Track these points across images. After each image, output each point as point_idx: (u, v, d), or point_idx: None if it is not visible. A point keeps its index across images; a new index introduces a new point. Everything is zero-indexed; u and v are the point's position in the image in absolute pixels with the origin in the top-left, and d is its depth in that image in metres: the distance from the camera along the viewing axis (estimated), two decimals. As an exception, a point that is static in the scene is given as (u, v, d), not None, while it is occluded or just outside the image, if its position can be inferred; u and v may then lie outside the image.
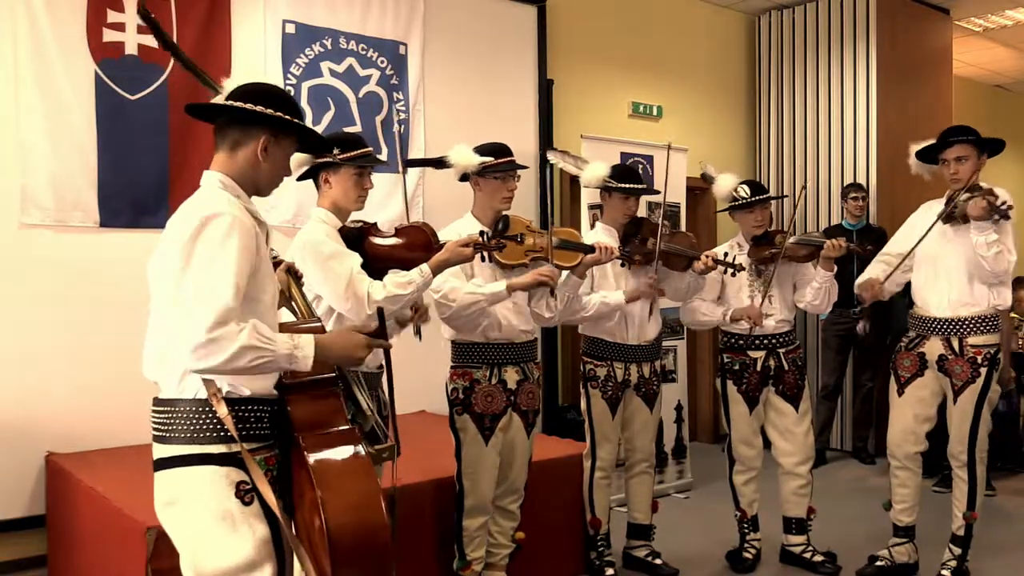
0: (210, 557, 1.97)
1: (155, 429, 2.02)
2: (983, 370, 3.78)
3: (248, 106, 2.05)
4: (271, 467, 2.02)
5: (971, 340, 3.79)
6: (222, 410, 1.93)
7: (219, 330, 1.84)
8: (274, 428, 2.07)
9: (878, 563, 4.04)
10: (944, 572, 3.90)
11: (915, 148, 3.96)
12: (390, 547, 1.95)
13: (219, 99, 2.14)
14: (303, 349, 1.95)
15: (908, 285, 4.04)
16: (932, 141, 3.88)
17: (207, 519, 1.96)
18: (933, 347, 3.87)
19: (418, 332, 3.18)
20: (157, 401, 2.03)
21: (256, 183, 2.13)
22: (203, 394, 1.95)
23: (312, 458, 1.95)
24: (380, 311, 2.24)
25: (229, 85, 2.17)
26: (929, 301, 3.89)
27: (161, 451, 2.01)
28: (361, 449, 2.02)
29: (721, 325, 4.14)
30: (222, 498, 1.95)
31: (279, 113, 2.07)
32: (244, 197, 2.09)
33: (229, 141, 2.09)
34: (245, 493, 1.96)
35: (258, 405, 2.01)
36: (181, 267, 1.91)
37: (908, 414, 3.95)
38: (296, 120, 2.11)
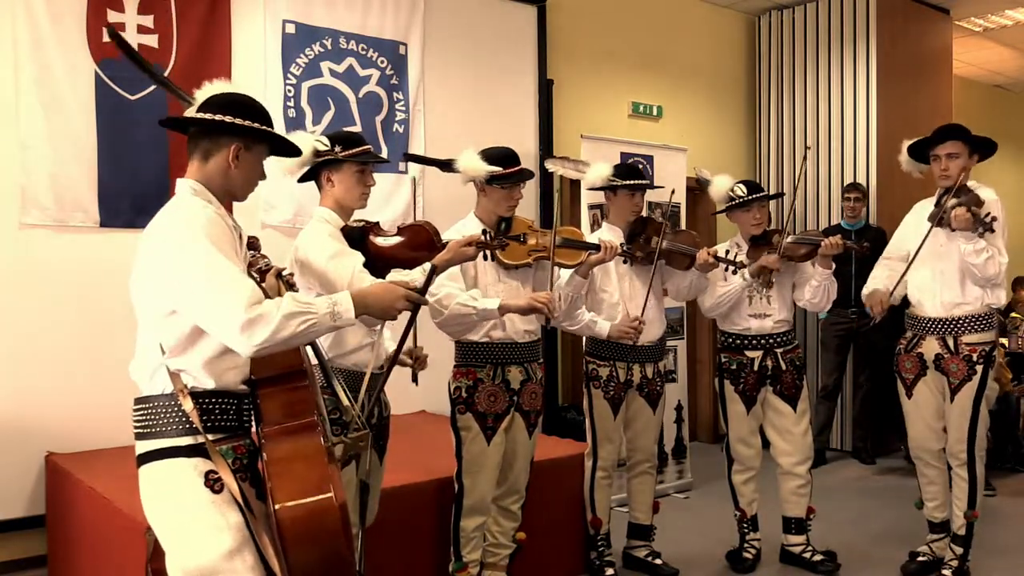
0: (192, 551, 2.02)
1: (135, 426, 2.10)
2: (979, 367, 3.81)
3: (216, 117, 2.10)
4: (240, 456, 2.08)
5: (966, 338, 3.82)
6: (187, 404, 2.00)
7: (257, 307, 1.92)
8: (244, 419, 2.13)
9: (920, 559, 4.07)
10: (945, 572, 3.91)
11: (907, 143, 3.98)
12: (342, 530, 1.99)
13: (191, 111, 2.17)
14: (342, 304, 2.03)
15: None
16: (927, 136, 3.90)
17: (183, 510, 2.03)
18: (930, 347, 3.90)
19: (415, 379, 3.16)
20: (136, 400, 2.11)
21: (230, 189, 2.19)
22: (171, 389, 2.03)
23: (268, 448, 2.03)
24: (433, 268, 2.31)
25: (201, 96, 2.19)
26: (924, 301, 3.92)
27: (140, 447, 2.08)
28: (318, 438, 2.06)
29: (732, 312, 4.08)
30: (193, 488, 2.01)
31: (247, 122, 2.12)
32: (216, 203, 2.14)
33: (200, 151, 2.15)
34: (214, 482, 2.02)
35: (223, 398, 2.08)
36: (171, 278, 1.97)
37: (923, 413, 3.97)
38: (264, 128, 2.17)
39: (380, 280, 2.75)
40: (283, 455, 2.02)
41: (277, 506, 1.95)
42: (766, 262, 3.95)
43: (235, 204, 2.31)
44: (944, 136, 3.81)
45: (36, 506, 4.01)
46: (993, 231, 3.61)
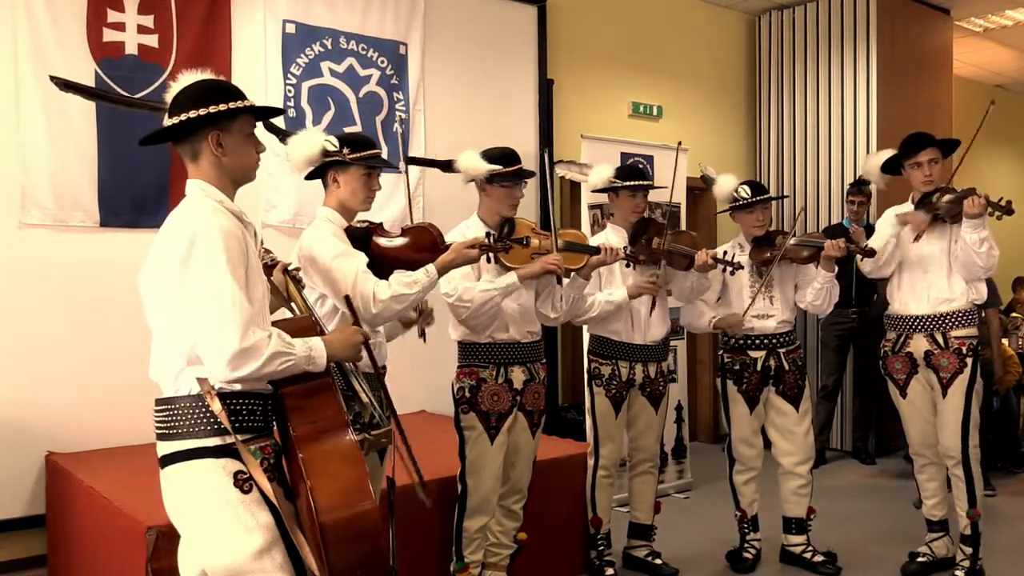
0: (220, 551, 2.03)
1: (157, 427, 2.09)
2: (969, 361, 3.84)
3: (182, 117, 2.07)
4: (267, 456, 2.09)
5: (954, 333, 3.86)
6: (216, 405, 2.00)
7: (250, 338, 1.95)
8: (269, 419, 2.14)
9: (920, 559, 4.08)
10: (958, 573, 3.91)
11: (875, 159, 4.03)
12: (381, 528, 2.01)
13: (165, 118, 2.15)
14: (316, 350, 2.08)
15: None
16: (893, 151, 3.95)
17: (211, 511, 2.03)
18: (918, 345, 3.92)
19: (422, 334, 3.18)
20: (158, 401, 2.10)
21: (232, 176, 2.17)
22: (197, 391, 2.02)
23: (302, 448, 2.03)
24: (347, 300, 2.32)
25: (169, 101, 2.16)
26: (908, 300, 3.94)
27: (163, 448, 2.07)
28: (350, 437, 2.08)
29: (705, 330, 4.18)
30: (222, 488, 2.01)
31: (209, 109, 2.08)
32: (226, 200, 2.13)
33: (188, 154, 2.14)
34: (243, 482, 2.02)
35: (250, 398, 2.08)
36: (182, 286, 1.98)
37: (920, 411, 3.99)
38: (228, 106, 2.10)
39: (382, 280, 2.75)
40: (319, 455, 2.03)
41: (319, 505, 1.95)
42: (729, 323, 4.04)
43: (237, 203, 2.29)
44: (922, 145, 3.87)
45: (36, 506, 4.00)
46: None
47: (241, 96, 2.14)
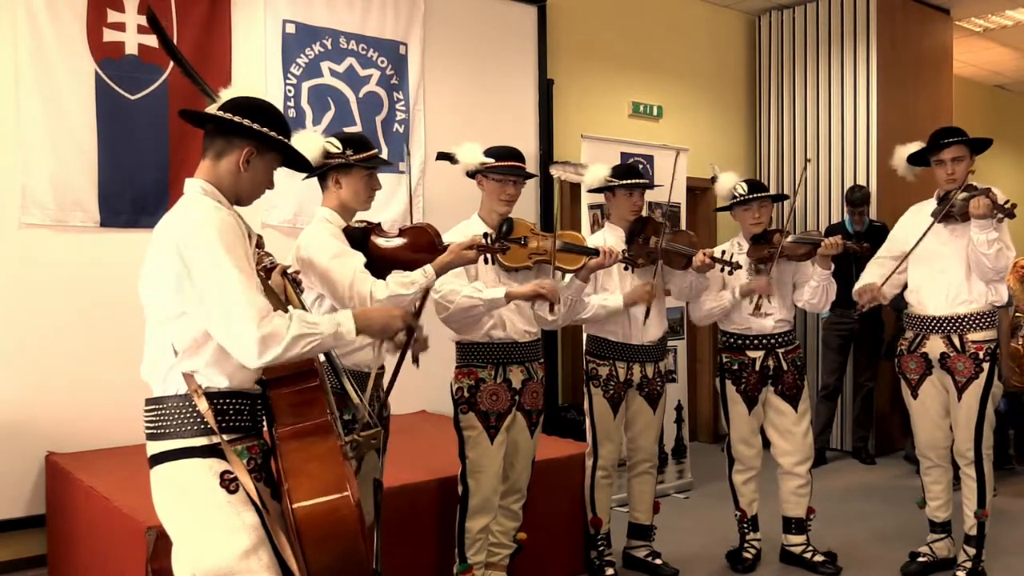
0: (207, 552, 2.03)
1: (146, 427, 2.09)
2: (985, 365, 3.81)
3: (235, 118, 2.12)
4: (254, 456, 2.09)
5: (971, 336, 3.82)
6: (202, 404, 2.01)
7: (267, 325, 1.95)
8: (257, 419, 2.15)
9: (920, 559, 4.07)
10: (959, 574, 3.91)
11: (904, 151, 4.00)
12: (359, 530, 2.00)
13: (213, 108, 2.18)
14: (345, 324, 2.09)
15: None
16: (922, 144, 3.92)
17: (197, 511, 2.03)
18: (934, 346, 3.89)
19: (416, 360, 3.17)
20: (147, 400, 2.10)
21: (236, 192, 2.19)
22: (185, 390, 2.03)
23: (283, 449, 2.05)
24: (426, 293, 2.39)
25: (226, 95, 2.21)
26: (926, 300, 3.91)
27: (152, 448, 2.08)
28: (334, 439, 2.08)
29: (732, 312, 4.08)
30: (208, 488, 2.02)
31: (264, 128, 2.14)
32: (226, 203, 2.15)
33: (214, 150, 2.16)
34: (229, 482, 2.03)
35: (237, 398, 2.08)
36: (186, 279, 1.98)
37: (930, 413, 3.97)
38: (280, 137, 2.18)
39: (380, 280, 2.76)
40: (298, 456, 2.03)
41: (295, 506, 1.95)
42: (756, 286, 3.97)
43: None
44: (948, 142, 3.82)
45: (36, 506, 4.01)
46: (1013, 216, 3.63)
47: (289, 134, 2.23)
